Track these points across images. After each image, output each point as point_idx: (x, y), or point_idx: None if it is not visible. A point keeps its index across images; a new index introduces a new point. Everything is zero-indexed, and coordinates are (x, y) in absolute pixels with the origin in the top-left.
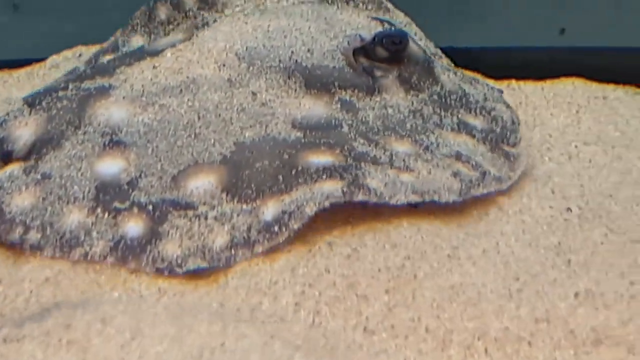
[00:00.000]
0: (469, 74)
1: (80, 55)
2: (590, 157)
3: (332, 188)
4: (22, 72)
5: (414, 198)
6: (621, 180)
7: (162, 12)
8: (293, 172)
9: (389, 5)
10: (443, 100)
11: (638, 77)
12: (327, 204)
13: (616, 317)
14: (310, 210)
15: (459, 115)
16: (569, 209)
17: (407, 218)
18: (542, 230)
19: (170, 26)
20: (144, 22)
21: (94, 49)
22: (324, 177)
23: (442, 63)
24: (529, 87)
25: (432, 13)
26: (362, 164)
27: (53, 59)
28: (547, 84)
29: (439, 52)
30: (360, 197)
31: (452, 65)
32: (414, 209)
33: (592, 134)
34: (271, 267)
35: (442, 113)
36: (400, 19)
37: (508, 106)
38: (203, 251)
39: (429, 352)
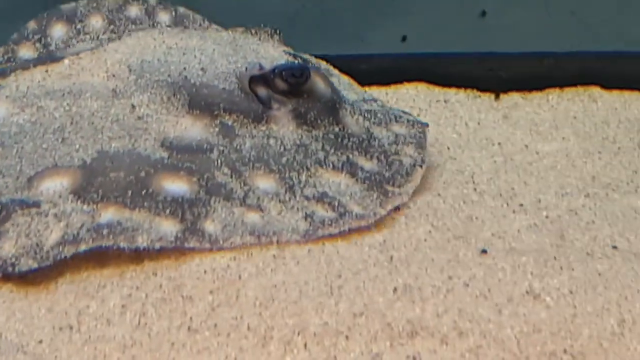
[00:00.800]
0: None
1: None
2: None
3: (167, 230)
4: None
5: (250, 240)
6: (452, 180)
7: (58, 29)
8: (143, 192)
9: (334, 71)
10: (339, 140)
11: (480, 81)
12: (157, 245)
13: (432, 309)
14: (140, 241)
15: (350, 156)
16: (397, 208)
17: None
18: (368, 229)
19: (72, 41)
20: (34, 34)
21: None
22: (167, 212)
23: (372, 105)
24: (374, 93)
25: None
26: (212, 200)
27: None
28: (392, 89)
29: (377, 101)
30: (192, 244)
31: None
32: None
33: (430, 136)
34: (100, 272)
35: (331, 152)
36: (344, 81)
37: (420, 150)
38: (35, 250)
39: (250, 348)
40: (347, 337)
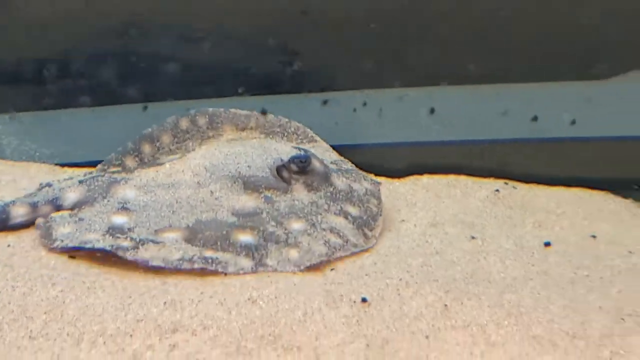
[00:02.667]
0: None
1: None
2: None
3: (246, 264)
4: None
5: (293, 269)
6: None
7: (147, 149)
8: (226, 242)
9: (317, 137)
10: (333, 195)
11: None
12: (241, 272)
13: (187, 314)
14: (230, 270)
15: (342, 206)
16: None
17: None
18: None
19: (156, 155)
20: (133, 152)
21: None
22: (243, 253)
23: (343, 165)
24: None
25: None
26: (268, 244)
27: None
28: None
29: (345, 163)
30: (261, 270)
31: (353, 166)
32: None
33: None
34: None
35: (331, 204)
36: (323, 145)
37: (379, 202)
38: (167, 261)
39: (68, 347)
40: (130, 335)
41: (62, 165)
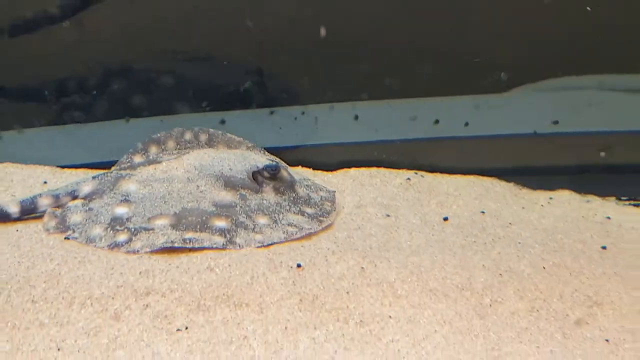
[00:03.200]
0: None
1: None
2: None
3: (219, 241)
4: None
5: (258, 245)
6: None
7: (153, 149)
8: (205, 226)
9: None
10: (294, 199)
11: None
12: (214, 246)
13: (158, 280)
14: (206, 244)
15: (301, 207)
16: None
17: None
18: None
19: (159, 155)
20: (142, 151)
21: None
22: (217, 234)
23: (307, 182)
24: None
25: None
26: (238, 229)
27: None
28: None
29: (309, 178)
30: (229, 247)
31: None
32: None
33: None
34: None
35: (292, 205)
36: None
37: (332, 203)
38: (150, 245)
39: (63, 308)
40: (112, 298)
41: (62, 167)
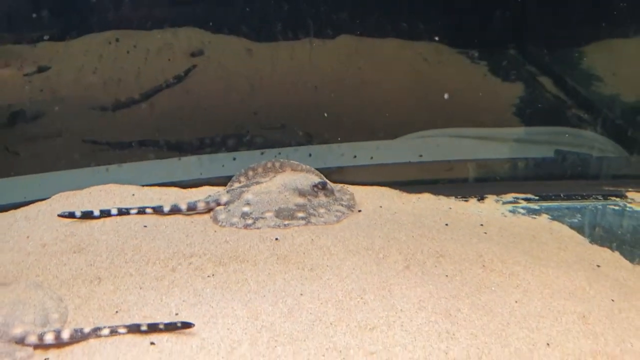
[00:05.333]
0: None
1: None
2: None
3: (301, 222)
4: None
5: (322, 222)
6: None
7: (250, 173)
8: (292, 216)
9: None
10: (335, 199)
11: None
12: (297, 225)
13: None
14: (294, 222)
15: (340, 202)
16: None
17: None
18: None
19: (254, 178)
20: (238, 179)
21: None
22: (299, 219)
23: (338, 188)
24: None
25: None
26: (310, 217)
27: None
28: None
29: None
30: (310, 223)
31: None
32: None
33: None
34: None
35: (335, 202)
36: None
37: (353, 199)
38: (268, 224)
39: (141, 266)
40: (171, 259)
41: (142, 185)
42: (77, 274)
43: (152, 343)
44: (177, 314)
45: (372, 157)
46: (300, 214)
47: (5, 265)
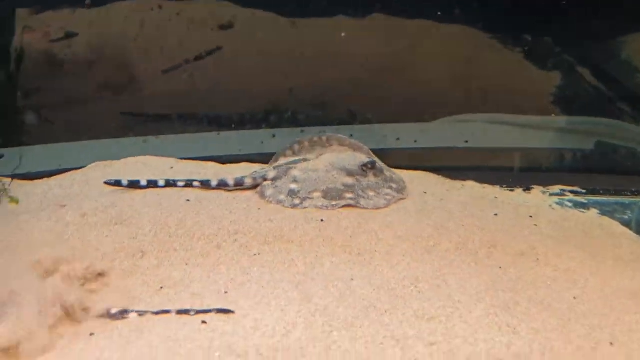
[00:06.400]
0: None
1: None
2: None
3: (350, 202)
4: None
5: (373, 206)
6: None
7: (296, 147)
8: (340, 197)
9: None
10: (385, 179)
11: None
12: (350, 202)
13: (287, 227)
14: (343, 202)
15: (389, 184)
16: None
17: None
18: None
19: (300, 153)
20: (284, 154)
21: None
22: (348, 200)
23: (387, 168)
24: None
25: None
26: (359, 198)
27: None
28: None
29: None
30: (359, 205)
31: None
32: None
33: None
34: None
35: (384, 183)
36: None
37: (403, 182)
38: (315, 204)
39: (187, 242)
40: (216, 235)
41: (180, 159)
42: (119, 247)
43: (203, 322)
44: (226, 292)
45: (416, 141)
46: (349, 195)
47: (44, 234)
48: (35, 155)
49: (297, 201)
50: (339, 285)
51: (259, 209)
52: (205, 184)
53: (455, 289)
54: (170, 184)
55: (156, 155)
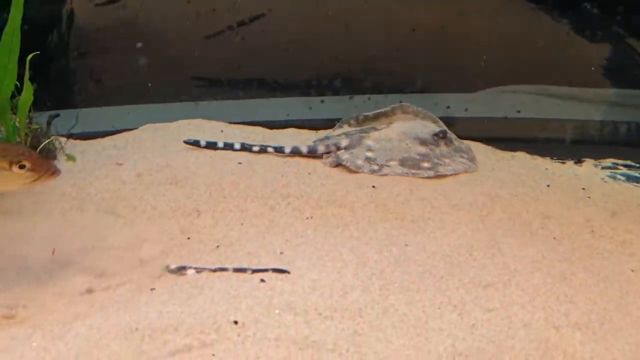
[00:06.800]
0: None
1: None
2: None
3: (429, 172)
4: None
5: (451, 172)
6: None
7: (360, 118)
8: (417, 166)
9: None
10: (455, 149)
11: None
12: (426, 175)
13: (339, 193)
14: (420, 174)
15: (461, 153)
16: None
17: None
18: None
19: (364, 123)
20: (348, 122)
21: None
22: (426, 169)
23: (456, 137)
24: None
25: None
26: (435, 165)
27: None
28: None
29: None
30: (439, 172)
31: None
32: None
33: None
34: None
35: (456, 152)
36: (440, 123)
37: (472, 152)
38: (394, 171)
39: (239, 202)
40: (269, 197)
41: (230, 123)
42: (175, 206)
43: (262, 280)
44: (281, 253)
45: (466, 109)
46: (426, 164)
47: (102, 193)
48: (89, 116)
49: (375, 167)
50: (394, 250)
51: (309, 173)
52: (279, 150)
53: (511, 257)
54: (245, 147)
55: (207, 118)
